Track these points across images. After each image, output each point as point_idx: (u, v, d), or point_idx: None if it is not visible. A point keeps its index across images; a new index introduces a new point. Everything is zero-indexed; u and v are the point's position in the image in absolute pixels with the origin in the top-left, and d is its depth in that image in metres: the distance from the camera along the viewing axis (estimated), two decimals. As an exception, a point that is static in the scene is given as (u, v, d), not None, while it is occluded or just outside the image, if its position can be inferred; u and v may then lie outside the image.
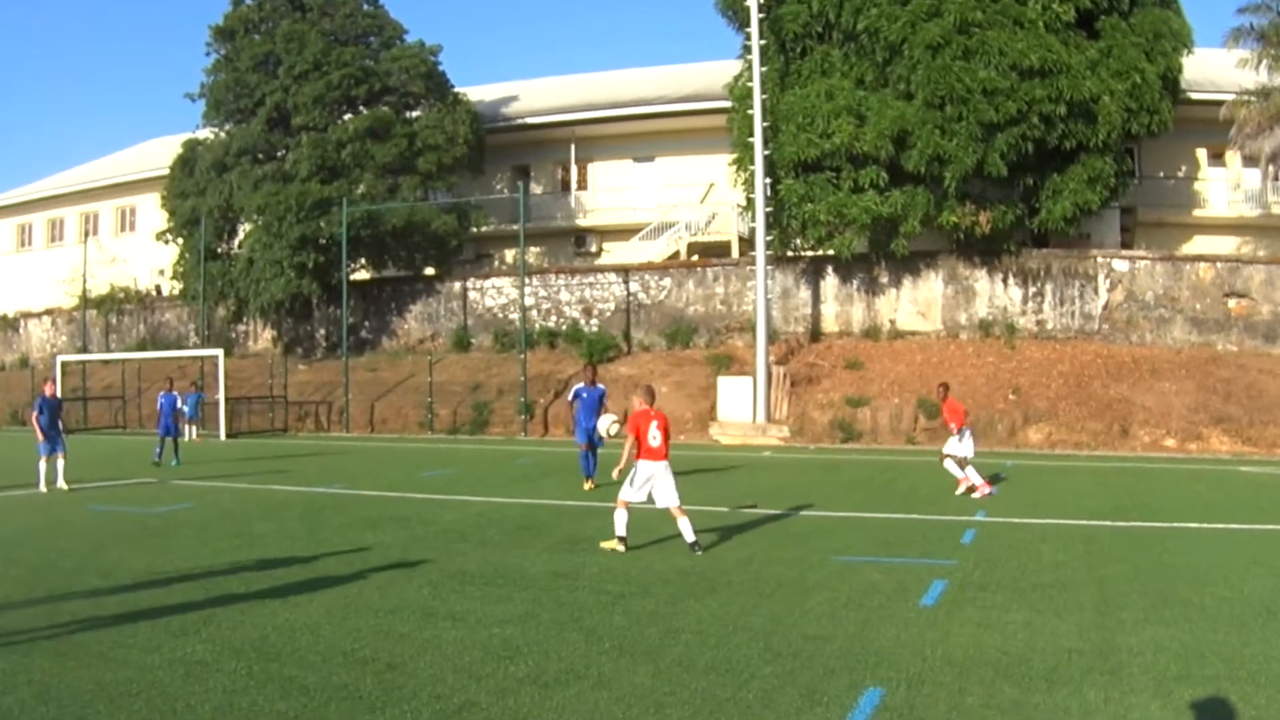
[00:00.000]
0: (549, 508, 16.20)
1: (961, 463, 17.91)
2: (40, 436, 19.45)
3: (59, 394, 21.61)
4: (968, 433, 18.14)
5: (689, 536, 11.94)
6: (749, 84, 34.76)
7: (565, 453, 27.38)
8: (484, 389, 39.02)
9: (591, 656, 7.56)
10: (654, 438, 12.03)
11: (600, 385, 21.11)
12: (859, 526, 14.08)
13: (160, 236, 48.61)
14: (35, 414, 19.88)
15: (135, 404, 45.27)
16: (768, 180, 33.86)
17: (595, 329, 41.10)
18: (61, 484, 19.38)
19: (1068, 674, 7.22)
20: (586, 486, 19.05)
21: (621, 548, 12.03)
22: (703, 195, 45.19)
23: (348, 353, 41.28)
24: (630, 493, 12.02)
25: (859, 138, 33.75)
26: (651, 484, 11.97)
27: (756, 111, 33.88)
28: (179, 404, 27.65)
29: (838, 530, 13.92)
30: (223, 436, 37.43)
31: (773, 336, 35.27)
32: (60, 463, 19.38)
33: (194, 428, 36.64)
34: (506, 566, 11.23)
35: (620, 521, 12.15)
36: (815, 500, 16.99)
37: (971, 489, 17.55)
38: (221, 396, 38.50)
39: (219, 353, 40.32)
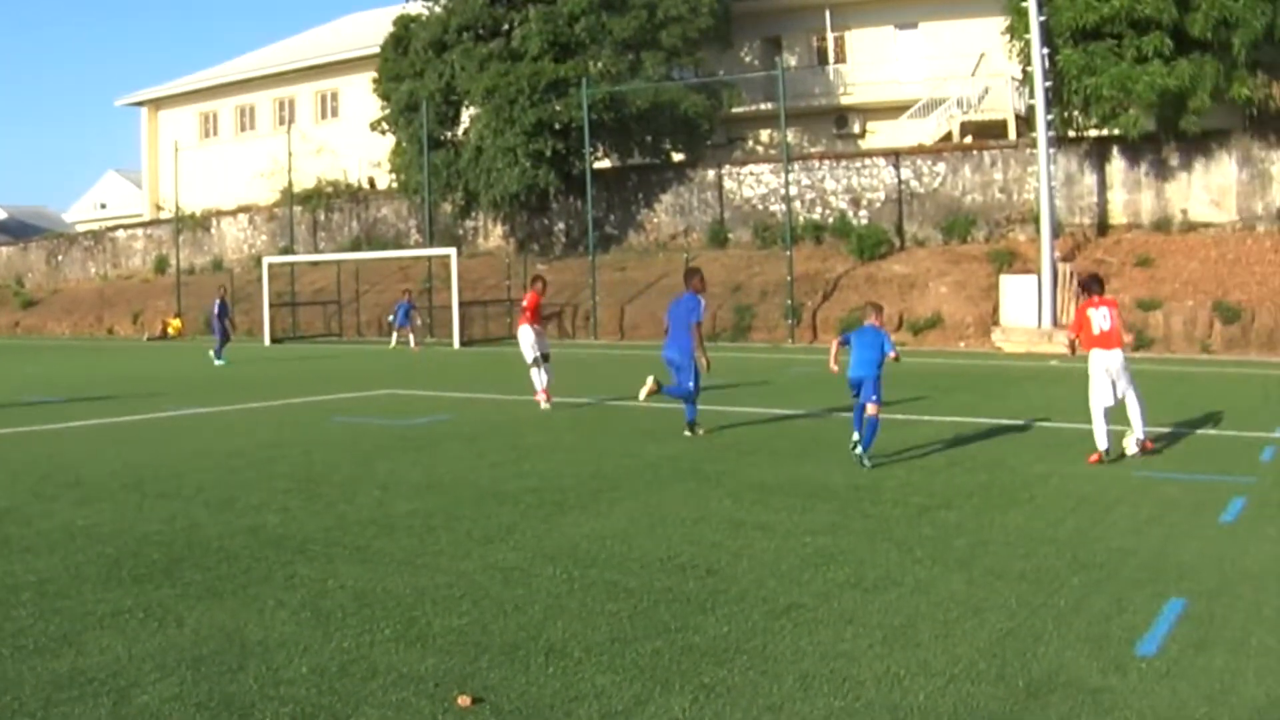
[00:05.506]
0: (838, 420, 16.47)
1: None
2: None
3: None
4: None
5: None
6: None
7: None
8: (745, 290, 39.65)
9: (906, 565, 8.49)
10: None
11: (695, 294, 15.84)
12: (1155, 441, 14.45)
13: (375, 125, 49.39)
14: None
15: (353, 309, 46.84)
16: (1045, 51, 33.09)
17: (865, 221, 41.06)
18: None
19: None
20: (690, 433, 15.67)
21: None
22: (973, 67, 44.24)
23: (594, 250, 41.99)
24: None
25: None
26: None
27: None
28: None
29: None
30: (456, 344, 38.64)
31: (1056, 230, 34.88)
32: None
33: (411, 335, 38.97)
34: (804, 479, 12.15)
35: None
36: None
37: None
38: (455, 300, 39.50)
39: (450, 251, 41.16)
